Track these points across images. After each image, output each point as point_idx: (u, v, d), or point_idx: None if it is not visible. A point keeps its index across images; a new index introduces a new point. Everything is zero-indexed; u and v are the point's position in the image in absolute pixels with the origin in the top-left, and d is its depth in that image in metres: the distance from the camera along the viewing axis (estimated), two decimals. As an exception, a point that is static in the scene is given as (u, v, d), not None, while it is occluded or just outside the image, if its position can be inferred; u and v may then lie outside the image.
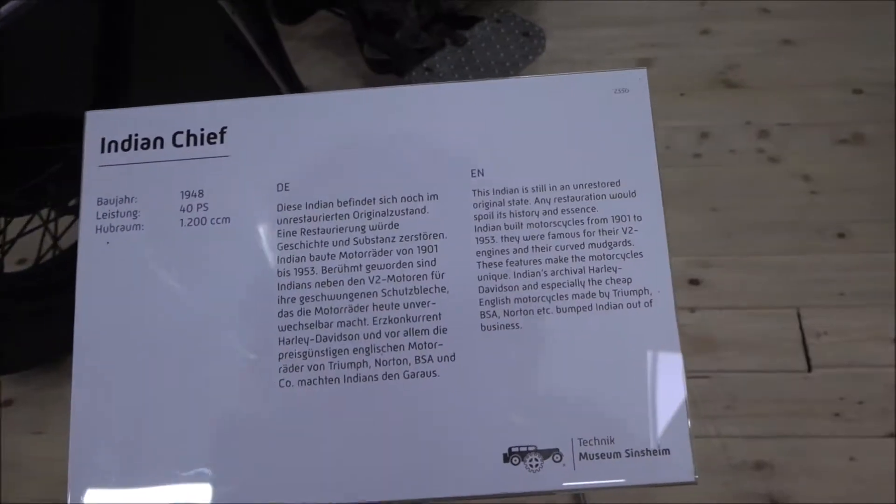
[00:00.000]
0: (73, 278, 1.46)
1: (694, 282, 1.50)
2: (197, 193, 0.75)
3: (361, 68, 1.87)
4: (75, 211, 1.40)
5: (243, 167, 0.75)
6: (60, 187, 1.34)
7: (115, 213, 0.75)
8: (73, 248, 1.46)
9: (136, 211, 0.75)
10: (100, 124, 0.77)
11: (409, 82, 1.69)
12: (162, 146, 0.77)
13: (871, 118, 1.73)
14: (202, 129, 0.77)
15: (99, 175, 0.76)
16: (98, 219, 0.75)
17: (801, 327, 1.42)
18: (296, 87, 1.64)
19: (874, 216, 1.55)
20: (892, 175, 1.61)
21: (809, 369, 1.37)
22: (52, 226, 1.43)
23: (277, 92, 1.60)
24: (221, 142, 0.76)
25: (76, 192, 1.37)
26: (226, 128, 0.76)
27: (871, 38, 1.88)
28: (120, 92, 1.27)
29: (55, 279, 1.43)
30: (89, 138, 0.78)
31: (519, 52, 1.75)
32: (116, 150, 0.77)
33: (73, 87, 1.26)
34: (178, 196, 0.75)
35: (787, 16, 1.97)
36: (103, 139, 0.77)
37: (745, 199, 1.62)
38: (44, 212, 1.41)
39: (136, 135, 0.77)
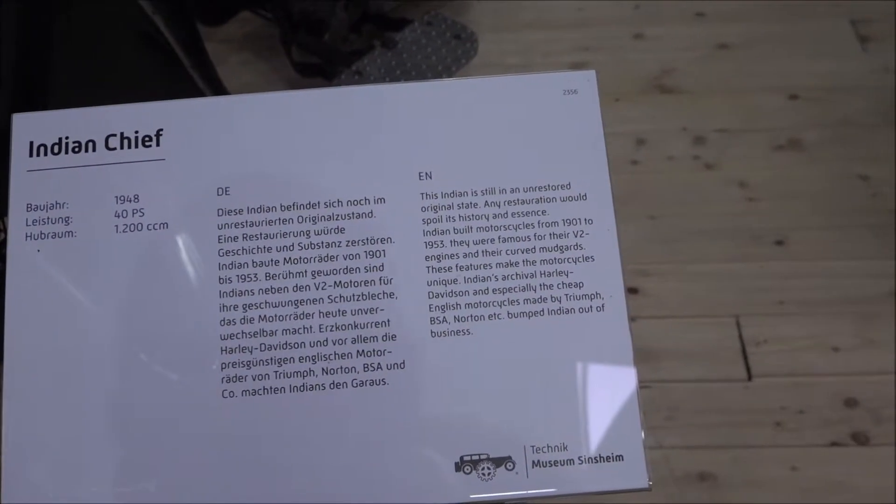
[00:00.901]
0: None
1: (633, 290, 1.54)
2: (132, 198, 0.75)
3: (286, 72, 1.87)
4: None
5: (181, 171, 0.76)
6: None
7: (46, 220, 0.75)
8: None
9: (68, 217, 0.75)
10: (28, 127, 0.77)
11: (339, 86, 1.70)
12: (94, 149, 0.76)
13: (808, 124, 1.79)
14: (136, 132, 0.77)
15: (28, 180, 0.76)
16: (28, 225, 0.75)
17: (740, 336, 1.47)
18: (220, 91, 1.63)
19: (813, 223, 1.61)
20: (830, 181, 1.68)
21: (750, 378, 1.41)
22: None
23: (199, 94, 1.59)
24: (157, 144, 0.76)
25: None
26: (161, 130, 0.77)
27: (807, 42, 1.95)
28: (36, 94, 1.26)
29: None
30: (17, 142, 0.77)
31: (451, 56, 1.77)
32: (46, 153, 0.77)
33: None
34: (112, 201, 0.75)
35: (722, 20, 2.03)
36: (31, 143, 0.77)
37: (683, 206, 1.67)
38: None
39: (67, 138, 0.77)
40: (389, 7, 1.84)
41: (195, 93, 1.59)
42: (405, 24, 1.83)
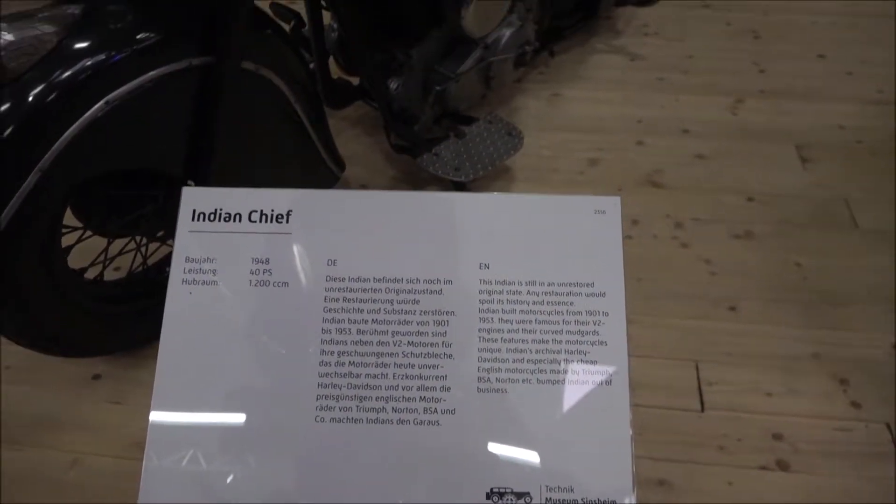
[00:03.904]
0: (156, 287, 1.41)
1: (620, 332, 1.46)
2: (264, 261, 0.71)
3: (384, 147, 1.83)
4: (161, 239, 1.34)
5: (302, 244, 0.71)
6: (150, 221, 1.28)
7: (199, 270, 0.71)
8: (157, 265, 1.41)
9: (214, 270, 0.71)
10: (193, 198, 0.73)
11: (421, 163, 1.65)
12: (239, 220, 0.72)
13: (759, 220, 1.70)
14: (272, 210, 0.72)
15: (189, 239, 0.72)
16: (184, 273, 0.71)
17: (697, 377, 1.38)
18: (334, 155, 1.59)
19: (758, 296, 1.52)
20: (773, 265, 1.59)
21: (702, 410, 1.33)
22: (143, 249, 1.37)
23: (320, 158, 1.55)
24: (287, 221, 0.72)
25: (163, 226, 1.32)
26: (291, 211, 0.72)
27: (762, 159, 1.87)
28: (203, 155, 1.22)
29: (142, 288, 1.38)
30: (184, 209, 0.73)
31: (504, 147, 1.71)
32: (204, 220, 0.72)
33: (167, 150, 1.21)
34: (248, 261, 0.71)
35: (701, 136, 1.95)
36: (194, 210, 0.72)
37: (661, 273, 1.59)
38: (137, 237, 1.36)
39: (220, 209, 0.72)
40: (462, 107, 1.78)
41: (317, 158, 1.54)
42: (472, 120, 1.77)
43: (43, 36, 0.98)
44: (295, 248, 0.71)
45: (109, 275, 1.37)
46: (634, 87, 2.13)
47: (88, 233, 1.26)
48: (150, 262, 1.41)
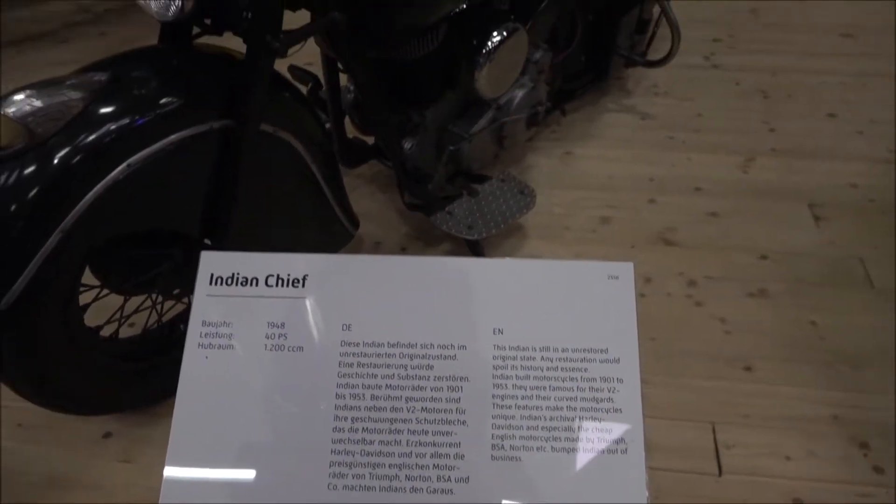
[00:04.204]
0: (170, 344, 1.41)
1: (634, 392, 1.44)
2: (279, 325, 0.71)
3: (398, 203, 1.85)
4: (177, 297, 1.36)
5: (317, 308, 0.72)
6: (167, 279, 1.30)
7: (215, 334, 0.71)
8: (171, 322, 1.42)
9: (230, 334, 0.71)
10: (211, 262, 0.74)
11: (435, 221, 1.67)
12: (256, 284, 0.73)
13: (773, 278, 1.70)
14: (289, 275, 0.73)
15: (206, 303, 0.72)
16: (201, 337, 0.71)
17: (714, 439, 1.36)
18: (349, 213, 1.61)
19: (774, 355, 1.51)
20: (788, 324, 1.58)
21: (720, 473, 1.30)
22: (158, 306, 1.38)
23: (335, 216, 1.57)
24: (303, 286, 0.73)
25: (179, 284, 1.33)
26: (307, 276, 0.73)
27: (776, 217, 1.87)
28: (221, 216, 1.24)
29: (156, 345, 1.39)
30: (202, 273, 0.74)
31: (517, 206, 1.73)
32: (221, 283, 0.73)
33: (186, 210, 1.23)
34: (264, 325, 0.72)
35: (713, 195, 1.96)
36: (212, 274, 0.74)
37: (675, 332, 1.58)
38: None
39: (238, 274, 0.74)
40: (475, 166, 1.81)
41: (332, 216, 1.56)
42: (485, 179, 1.80)
43: (70, 102, 1.01)
44: (310, 313, 0.72)
45: (124, 331, 1.38)
46: (645, 146, 2.15)
47: (105, 291, 1.28)
48: (165, 318, 1.42)
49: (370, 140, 1.80)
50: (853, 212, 1.88)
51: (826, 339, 1.55)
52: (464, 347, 0.70)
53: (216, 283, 0.73)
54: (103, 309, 1.31)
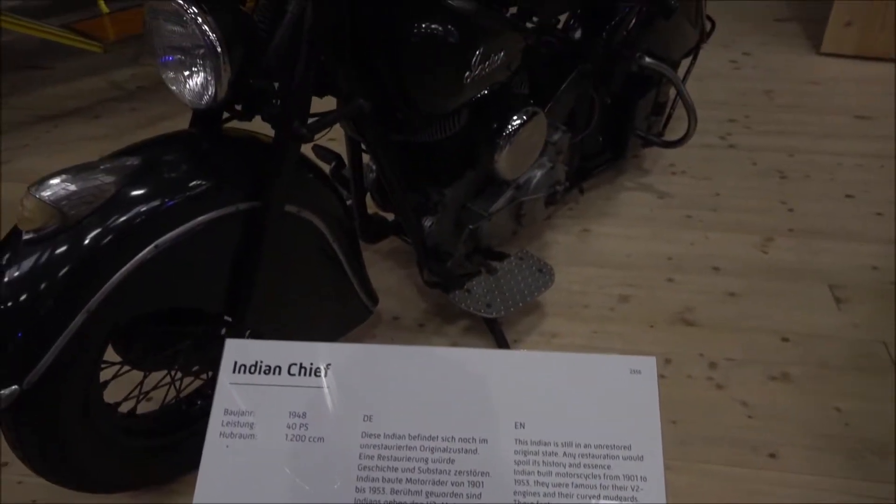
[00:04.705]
0: (189, 420, 1.41)
1: (656, 478, 1.41)
2: (301, 415, 0.72)
3: (416, 279, 1.86)
4: (196, 373, 1.36)
5: (339, 398, 0.72)
6: (187, 356, 1.30)
7: (237, 423, 0.71)
8: (189, 397, 1.42)
9: (252, 423, 0.71)
10: (234, 350, 0.75)
11: (453, 299, 1.68)
12: (279, 373, 0.74)
13: (796, 361, 1.68)
14: (311, 364, 0.74)
15: (229, 391, 0.73)
16: (223, 426, 0.71)
17: (740, 529, 1.33)
18: (368, 289, 1.62)
19: (799, 442, 1.48)
20: (812, 410, 1.55)
21: (746, 566, 1.27)
22: (177, 382, 1.39)
23: (354, 293, 1.58)
24: (325, 375, 0.73)
25: (198, 361, 1.34)
26: (329, 365, 0.74)
27: (797, 298, 1.86)
28: (243, 294, 1.25)
29: (175, 421, 1.38)
30: (225, 360, 0.75)
31: (535, 284, 1.73)
32: (244, 372, 0.74)
33: (209, 289, 1.24)
34: (286, 415, 0.72)
35: (732, 274, 1.96)
36: (236, 362, 0.74)
37: (697, 416, 1.56)
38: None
39: (261, 362, 0.74)
40: (493, 244, 1.82)
41: (351, 293, 1.57)
42: (503, 256, 1.81)
43: (103, 185, 1.05)
44: (332, 403, 0.72)
45: (142, 407, 1.38)
46: (663, 224, 2.17)
47: (125, 367, 1.29)
48: (183, 394, 1.42)
49: (390, 216, 1.83)
50: (875, 294, 1.87)
51: (851, 426, 1.52)
52: (485, 441, 0.69)
53: (239, 371, 0.74)
54: (121, 384, 1.32)
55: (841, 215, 2.17)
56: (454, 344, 1.77)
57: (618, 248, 2.08)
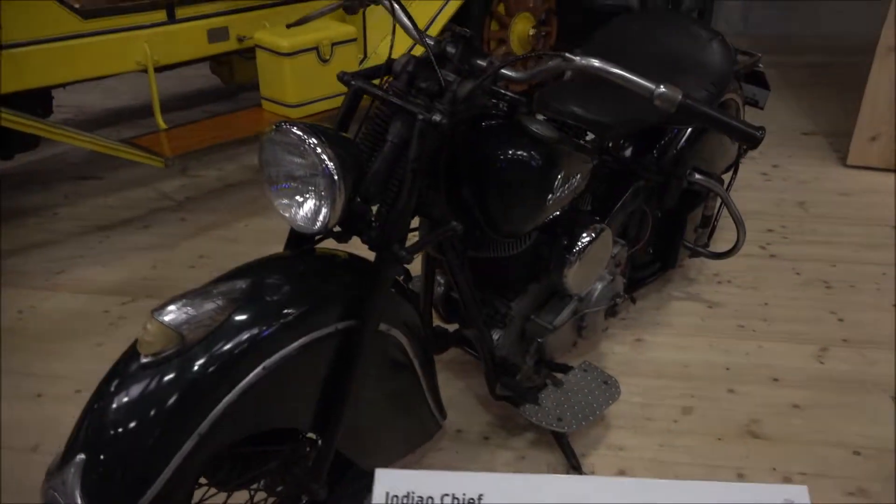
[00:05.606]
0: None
1: None
2: (459, 548, 0.71)
3: (476, 390, 1.87)
4: (280, 494, 1.35)
5: (496, 531, 0.72)
6: (274, 476, 1.29)
7: (394, 558, 0.71)
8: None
9: (407, 557, 0.71)
10: (387, 480, 0.75)
11: (524, 412, 1.67)
12: (432, 504, 0.74)
13: (870, 476, 1.65)
14: (464, 494, 0.74)
15: (384, 523, 0.73)
16: (381, 560, 0.71)
17: None
18: (438, 403, 1.61)
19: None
20: (897, 531, 1.52)
21: None
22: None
23: (426, 405, 1.57)
24: (479, 507, 0.73)
25: (282, 482, 1.33)
26: (482, 495, 0.74)
27: (861, 410, 1.85)
28: (336, 413, 1.26)
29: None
30: (377, 490, 0.75)
31: (602, 397, 1.73)
32: (396, 502, 0.74)
33: (303, 408, 1.25)
34: (442, 548, 0.71)
35: (792, 385, 1.96)
36: (388, 493, 0.74)
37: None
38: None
39: (413, 493, 0.74)
40: (556, 355, 1.83)
41: (424, 406, 1.56)
42: (568, 368, 1.81)
43: (217, 309, 1.08)
44: (490, 536, 0.72)
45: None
46: (716, 334, 2.18)
47: (212, 490, 1.27)
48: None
49: (451, 327, 1.85)
50: (939, 405, 1.86)
51: (941, 545, 1.48)
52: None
53: (391, 502, 0.74)
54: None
55: (892, 325, 2.18)
56: (522, 458, 1.75)
57: (673, 358, 2.09)
